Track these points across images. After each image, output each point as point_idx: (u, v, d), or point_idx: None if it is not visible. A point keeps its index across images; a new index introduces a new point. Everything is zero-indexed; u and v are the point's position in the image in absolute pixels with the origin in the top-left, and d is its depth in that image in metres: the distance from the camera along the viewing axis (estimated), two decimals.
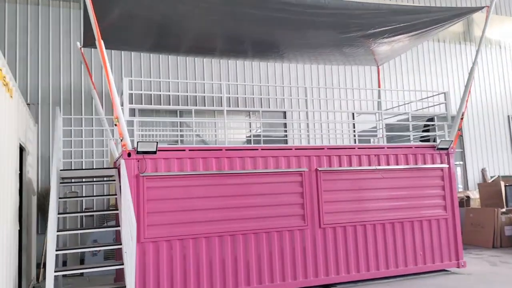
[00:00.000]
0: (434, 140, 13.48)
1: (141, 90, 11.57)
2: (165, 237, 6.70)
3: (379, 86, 11.64)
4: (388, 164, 8.27)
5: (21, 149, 7.03)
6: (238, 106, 12.79)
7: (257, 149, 7.48)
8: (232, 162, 7.27)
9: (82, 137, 10.70)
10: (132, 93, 10.87)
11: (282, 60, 11.50)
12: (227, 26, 8.78)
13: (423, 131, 12.78)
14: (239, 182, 7.26)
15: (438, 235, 8.44)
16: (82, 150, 10.68)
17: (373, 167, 8.10)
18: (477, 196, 13.68)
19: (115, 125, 6.64)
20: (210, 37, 9.43)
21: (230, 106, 12.58)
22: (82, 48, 9.62)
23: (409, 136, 9.98)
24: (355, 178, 7.99)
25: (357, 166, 8.03)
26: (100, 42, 6.50)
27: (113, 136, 9.34)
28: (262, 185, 7.39)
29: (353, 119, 13.47)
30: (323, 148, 7.90)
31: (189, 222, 6.88)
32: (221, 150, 7.27)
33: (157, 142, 6.74)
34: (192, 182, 7.00)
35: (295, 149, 7.72)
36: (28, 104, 10.93)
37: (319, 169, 7.73)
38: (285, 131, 12.75)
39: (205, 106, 12.33)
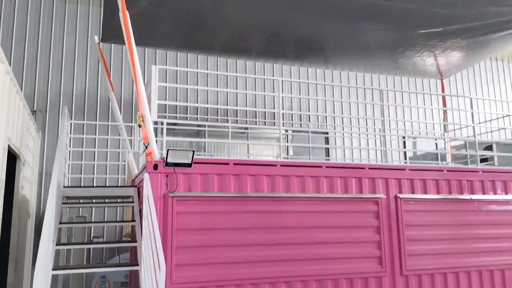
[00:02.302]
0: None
1: (166, 99, 9.94)
2: (199, 282, 4.86)
3: (444, 103, 9.88)
4: (484, 193, 6.40)
5: (13, 156, 5.35)
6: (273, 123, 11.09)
7: (321, 167, 5.69)
8: (289, 182, 5.47)
9: (95, 147, 9.00)
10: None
11: (326, 64, 9.83)
12: (272, 16, 7.20)
13: (482, 159, 11.04)
14: (298, 210, 5.43)
15: None
16: (94, 164, 8.98)
17: (467, 196, 6.23)
18: None
19: (139, 126, 4.93)
20: (248, 31, 7.87)
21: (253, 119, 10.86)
22: (100, 44, 8.13)
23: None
24: (445, 210, 6.10)
25: (447, 194, 6.17)
26: (124, 12, 4.87)
27: (132, 148, 7.67)
28: (327, 215, 5.55)
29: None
30: (404, 169, 6.07)
31: (232, 262, 5.04)
32: (275, 166, 5.49)
33: (193, 151, 5.00)
34: (237, 207, 5.20)
35: (369, 168, 5.91)
36: (34, 112, 9.41)
37: (400, 196, 5.89)
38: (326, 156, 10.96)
39: (241, 117, 10.62)
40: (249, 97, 10.62)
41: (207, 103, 10.35)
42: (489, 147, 12.58)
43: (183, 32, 7.90)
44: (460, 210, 6.17)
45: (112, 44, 9.87)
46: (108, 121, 9.21)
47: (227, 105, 10.17)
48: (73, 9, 10.10)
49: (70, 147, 7.41)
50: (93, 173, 8.94)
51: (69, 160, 7.41)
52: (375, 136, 11.49)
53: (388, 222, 5.77)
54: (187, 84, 10.28)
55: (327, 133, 11.35)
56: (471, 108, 6.76)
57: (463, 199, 6.20)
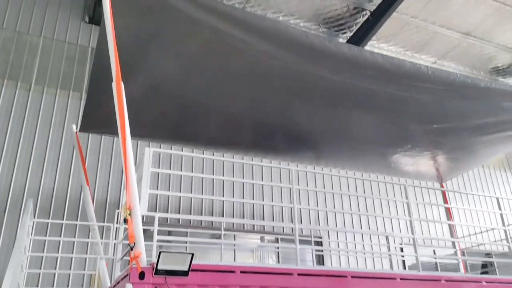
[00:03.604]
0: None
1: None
2: None
3: (448, 208, 9.22)
4: None
5: None
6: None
7: (346, 276, 4.64)
8: None
9: (58, 252, 7.58)
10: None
11: (318, 160, 9.15)
12: (262, 109, 6.69)
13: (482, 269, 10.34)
14: None
15: None
16: (54, 274, 7.50)
17: None
18: None
19: (125, 221, 3.89)
20: (237, 124, 7.29)
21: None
22: (77, 133, 7.29)
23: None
24: None
25: None
26: (119, 83, 4.08)
27: (105, 253, 6.42)
28: None
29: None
30: (439, 280, 5.07)
31: None
32: (291, 274, 4.41)
33: (192, 254, 3.93)
34: None
35: (401, 279, 4.89)
36: None
37: None
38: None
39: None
40: (238, 195, 9.65)
41: (191, 203, 9.29)
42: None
43: (169, 121, 7.25)
44: None
45: (90, 136, 9.08)
46: (77, 221, 7.96)
47: (214, 207, 9.14)
48: (50, 100, 9.37)
49: (29, 251, 6.11)
50: (53, 285, 7.43)
51: (25, 268, 6.05)
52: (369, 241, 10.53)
53: None
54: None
55: (321, 241, 10.30)
56: (499, 209, 6.04)
57: None
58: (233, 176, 9.73)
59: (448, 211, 9.16)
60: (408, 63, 5.33)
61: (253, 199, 9.90)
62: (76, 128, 7.26)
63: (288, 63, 5.16)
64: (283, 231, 9.90)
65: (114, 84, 4.04)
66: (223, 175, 9.67)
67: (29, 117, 9.07)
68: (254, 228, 9.75)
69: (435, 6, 12.52)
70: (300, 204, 9.75)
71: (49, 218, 8.19)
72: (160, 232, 8.42)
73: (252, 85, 5.85)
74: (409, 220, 5.44)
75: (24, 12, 9.75)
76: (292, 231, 5.30)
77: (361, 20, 12.14)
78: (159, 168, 8.45)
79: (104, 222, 7.90)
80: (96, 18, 10.33)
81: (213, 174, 9.50)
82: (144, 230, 4.01)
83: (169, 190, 9.05)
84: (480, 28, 13.39)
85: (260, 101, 6.40)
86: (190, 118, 7.13)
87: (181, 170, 8.89)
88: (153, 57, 5.47)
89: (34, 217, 7.64)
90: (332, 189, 10.42)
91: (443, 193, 9.46)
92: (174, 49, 5.15)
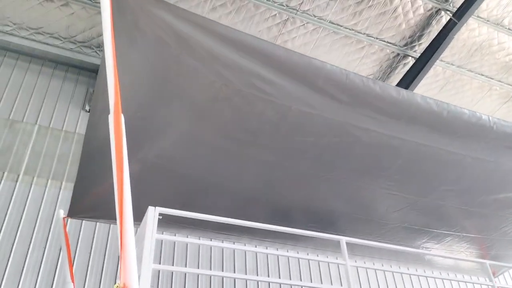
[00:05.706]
0: None
1: None
2: None
3: None
4: None
5: None
6: None
7: None
8: None
9: None
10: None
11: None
12: (277, 190, 5.72)
13: None
14: None
15: None
16: None
17: None
18: None
19: None
20: (249, 207, 6.19)
21: None
22: (65, 219, 6.12)
23: None
24: None
25: None
26: (118, 105, 3.09)
27: None
28: None
29: None
30: None
31: None
32: None
33: None
34: None
35: None
36: None
37: None
38: None
39: None
40: None
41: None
42: None
43: (171, 203, 6.14)
44: None
45: (81, 234, 7.88)
46: None
47: None
48: (38, 191, 8.30)
49: None
50: None
51: None
52: None
53: None
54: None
55: None
56: None
57: None
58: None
59: None
60: (467, 111, 4.45)
61: None
62: (64, 214, 6.12)
63: (323, 112, 4.26)
64: None
65: (111, 117, 3.06)
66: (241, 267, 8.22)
67: (13, 211, 7.92)
68: None
69: (449, 92, 12.25)
70: None
71: None
72: None
73: (275, 147, 4.87)
74: None
75: (20, 100, 9.15)
76: None
77: None
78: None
79: None
80: None
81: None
82: None
83: None
84: (496, 115, 12.98)
85: (281, 170, 5.37)
86: (197, 198, 6.05)
87: (186, 262, 7.47)
88: (157, 115, 4.59)
89: None
90: None
91: None
92: (185, 98, 4.26)
